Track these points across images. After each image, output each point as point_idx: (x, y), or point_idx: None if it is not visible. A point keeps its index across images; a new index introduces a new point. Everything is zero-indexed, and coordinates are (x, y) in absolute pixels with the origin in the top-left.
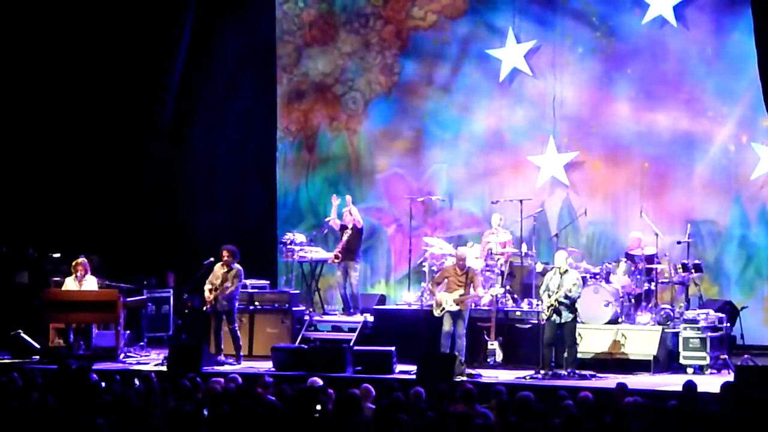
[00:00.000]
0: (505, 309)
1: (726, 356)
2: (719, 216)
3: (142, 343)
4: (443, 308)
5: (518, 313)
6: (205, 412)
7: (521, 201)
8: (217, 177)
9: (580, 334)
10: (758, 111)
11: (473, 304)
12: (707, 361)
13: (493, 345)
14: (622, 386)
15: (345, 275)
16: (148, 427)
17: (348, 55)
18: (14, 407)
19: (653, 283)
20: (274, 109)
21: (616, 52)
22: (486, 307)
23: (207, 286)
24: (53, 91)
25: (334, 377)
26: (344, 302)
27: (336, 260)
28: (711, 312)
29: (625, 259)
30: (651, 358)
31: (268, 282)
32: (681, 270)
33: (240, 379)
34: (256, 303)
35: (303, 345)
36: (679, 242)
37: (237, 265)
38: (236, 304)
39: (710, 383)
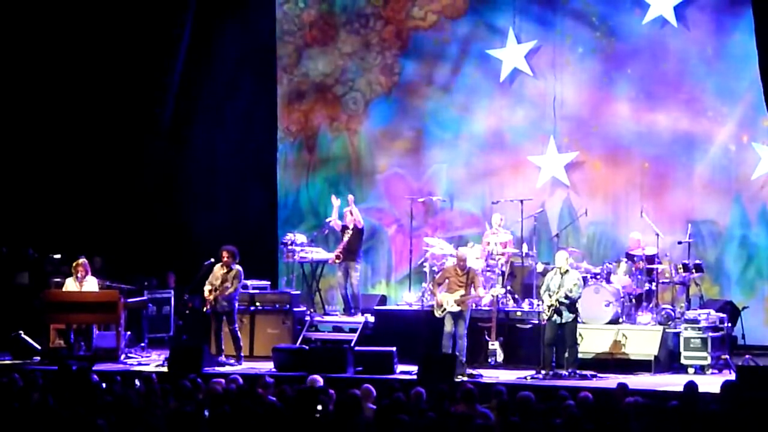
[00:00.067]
0: (506, 309)
1: (727, 356)
2: (720, 216)
3: (142, 344)
4: (444, 309)
5: (519, 313)
6: (206, 413)
7: (522, 201)
8: (217, 177)
9: (580, 334)
10: (759, 111)
11: (474, 305)
12: (708, 362)
13: (494, 345)
14: (622, 386)
15: (346, 276)
16: (149, 427)
17: (348, 56)
18: (15, 408)
19: (654, 283)
20: (275, 109)
21: (617, 52)
22: (487, 308)
23: (207, 287)
24: (53, 91)
25: (335, 378)
26: (345, 303)
27: (337, 261)
28: (712, 312)
29: (625, 259)
30: (652, 358)
31: (269, 282)
32: (682, 270)
33: (241, 380)
34: (257, 303)
35: (304, 345)
36: (679, 242)
37: (237, 266)
38: (236, 305)
39: (711, 383)
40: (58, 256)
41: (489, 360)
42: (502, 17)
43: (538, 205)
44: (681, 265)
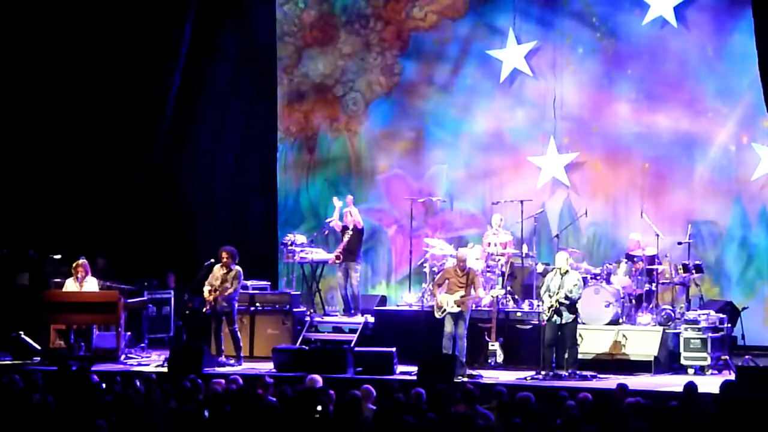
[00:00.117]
0: (506, 310)
1: (727, 357)
2: (720, 216)
3: (142, 345)
4: (444, 310)
5: (519, 314)
6: (206, 413)
7: (522, 202)
8: (217, 177)
9: (580, 335)
10: (759, 111)
11: (474, 305)
12: (708, 362)
13: (494, 346)
14: (622, 387)
15: (346, 276)
16: (149, 428)
17: (348, 56)
18: (15, 408)
19: (654, 284)
20: (274, 110)
21: (617, 52)
22: (487, 308)
23: (206, 288)
24: (53, 92)
25: (335, 378)
26: (345, 303)
27: (337, 261)
28: (712, 312)
29: (625, 260)
30: (652, 358)
31: (269, 283)
32: (682, 270)
33: (241, 380)
34: (257, 304)
35: (304, 346)
36: (679, 243)
37: (236, 267)
38: (236, 306)
39: (711, 384)
40: (58, 256)
41: (489, 361)
42: (502, 18)
43: (538, 205)
44: (681, 266)
